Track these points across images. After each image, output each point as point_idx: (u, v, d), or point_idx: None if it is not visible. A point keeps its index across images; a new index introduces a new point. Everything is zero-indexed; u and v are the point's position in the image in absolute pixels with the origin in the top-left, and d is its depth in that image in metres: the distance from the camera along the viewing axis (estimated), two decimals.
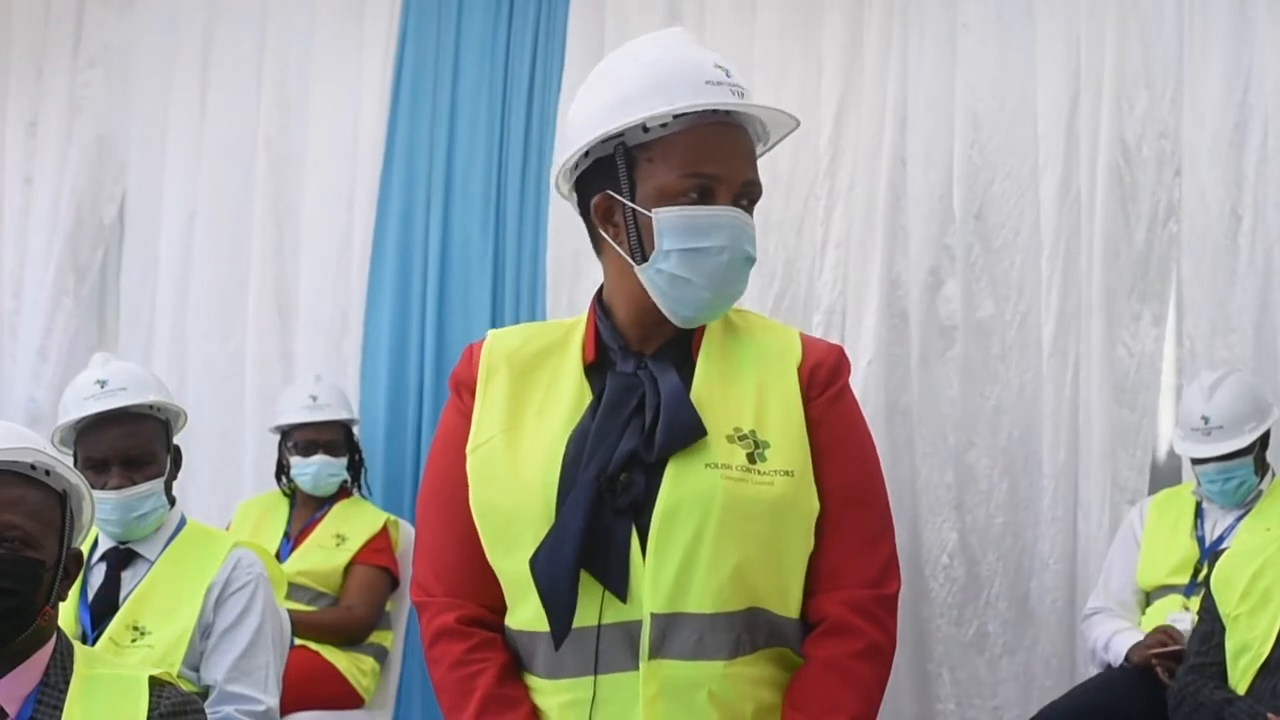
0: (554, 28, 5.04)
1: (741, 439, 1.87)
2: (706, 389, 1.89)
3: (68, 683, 2.15)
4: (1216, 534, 3.84)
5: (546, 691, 1.87)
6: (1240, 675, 3.04)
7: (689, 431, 1.85)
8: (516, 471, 1.87)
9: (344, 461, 4.56)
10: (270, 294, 5.29)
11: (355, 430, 4.70)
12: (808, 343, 1.97)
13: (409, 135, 5.17)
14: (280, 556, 4.31)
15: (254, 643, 2.89)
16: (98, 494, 2.87)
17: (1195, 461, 3.88)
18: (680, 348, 1.94)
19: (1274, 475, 3.93)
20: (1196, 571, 3.79)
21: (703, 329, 1.95)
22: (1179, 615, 3.72)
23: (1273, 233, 4.11)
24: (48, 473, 2.18)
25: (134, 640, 2.85)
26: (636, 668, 1.82)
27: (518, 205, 5.04)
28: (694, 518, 1.82)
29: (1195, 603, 3.45)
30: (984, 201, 4.41)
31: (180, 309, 5.39)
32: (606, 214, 1.90)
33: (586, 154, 1.91)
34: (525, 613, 1.87)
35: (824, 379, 1.94)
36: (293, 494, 4.57)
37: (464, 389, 1.96)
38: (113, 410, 2.95)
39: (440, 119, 5.15)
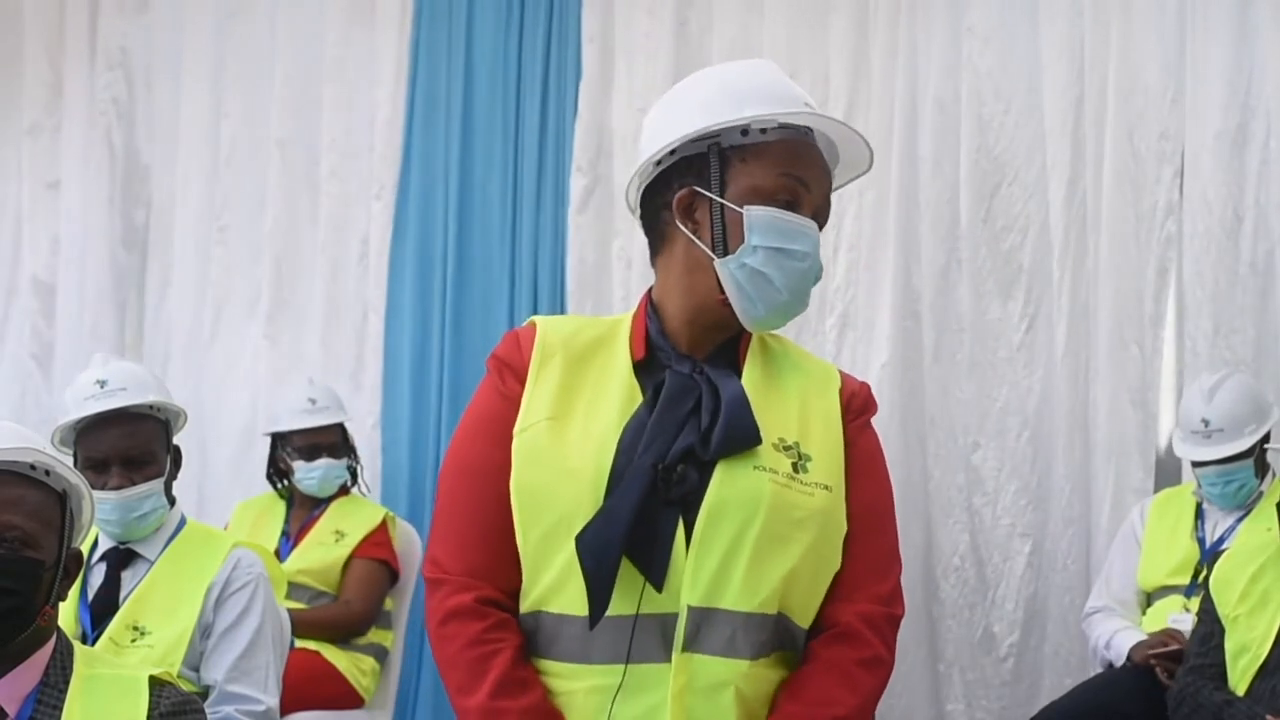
0: (566, 29, 5.04)
1: (786, 449, 1.91)
2: (754, 396, 1.93)
3: (67, 682, 2.15)
4: (1217, 535, 3.83)
5: (570, 676, 1.87)
6: (1239, 676, 3.04)
7: (748, 435, 1.88)
8: (565, 457, 1.88)
9: (345, 462, 4.57)
10: (288, 296, 5.31)
11: (349, 429, 4.69)
12: (843, 374, 2.05)
13: (425, 139, 5.17)
14: (280, 556, 4.32)
15: (254, 643, 2.89)
16: (97, 494, 2.88)
17: (1195, 464, 3.88)
18: (728, 356, 1.97)
19: (1274, 476, 3.92)
20: (1197, 572, 3.78)
21: (748, 340, 1.99)
22: (1179, 616, 3.72)
23: (1274, 234, 4.10)
24: (47, 472, 2.19)
25: (134, 640, 2.86)
26: (667, 659, 1.83)
27: (534, 208, 5.04)
28: (739, 517, 1.85)
29: (1195, 603, 3.45)
30: (993, 204, 4.42)
31: (199, 311, 5.41)
32: (688, 209, 1.93)
33: (673, 151, 1.94)
34: (555, 595, 1.87)
35: (859, 407, 2.01)
36: (290, 494, 4.58)
37: (508, 372, 1.96)
38: (112, 410, 2.96)
39: (454, 123, 5.15)
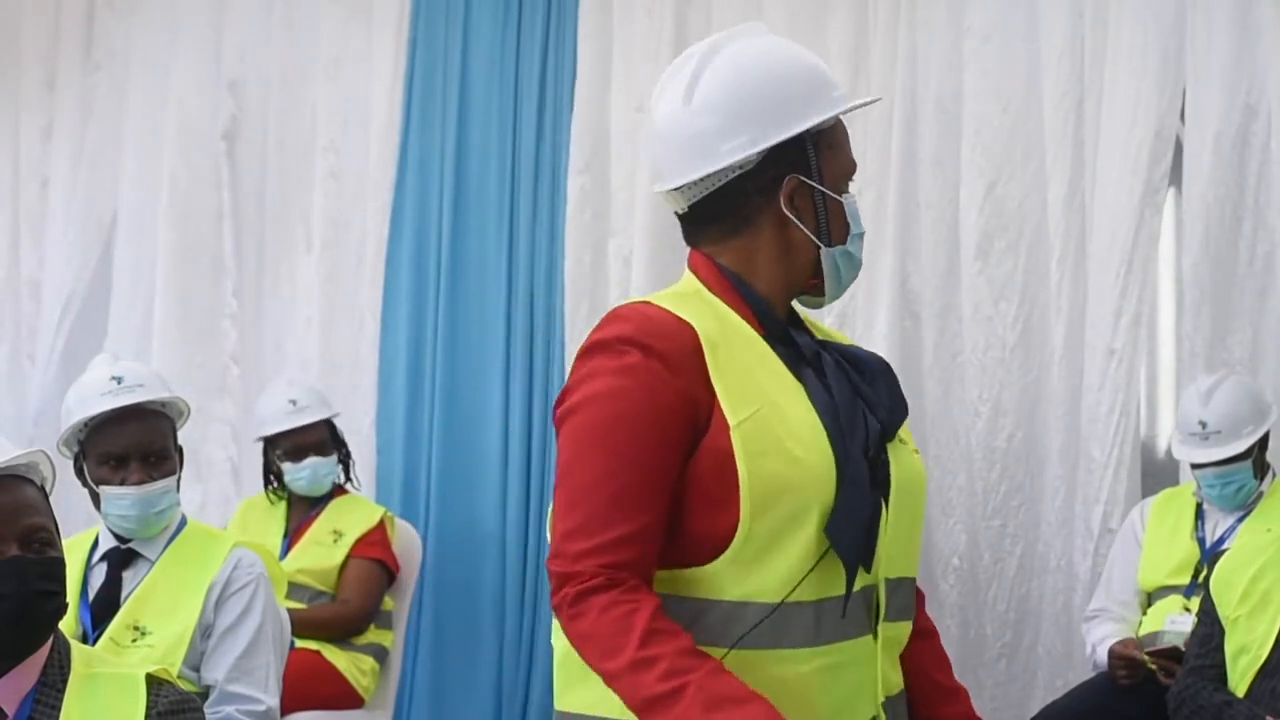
0: (564, 29, 5.04)
1: None
2: None
3: (65, 682, 2.13)
4: (1217, 535, 3.84)
5: (797, 660, 1.86)
6: (1239, 677, 3.04)
7: (905, 407, 2.00)
8: (789, 447, 1.86)
9: (334, 459, 4.55)
10: (283, 297, 5.30)
11: (337, 424, 4.66)
12: None
13: (421, 139, 5.18)
14: (281, 555, 4.31)
15: (254, 642, 2.89)
16: (117, 490, 2.90)
17: (1194, 466, 3.88)
18: (797, 325, 2.03)
19: (1274, 476, 3.93)
20: (1197, 573, 3.79)
21: (793, 313, 2.05)
22: (1179, 616, 3.73)
23: (1274, 234, 4.10)
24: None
25: (134, 640, 2.86)
26: (871, 630, 1.92)
27: (530, 208, 5.04)
28: (915, 493, 2.00)
29: (1195, 603, 3.45)
30: (992, 204, 4.41)
31: (186, 311, 5.40)
32: (790, 197, 1.96)
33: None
34: (786, 585, 1.85)
35: None
36: (288, 494, 4.57)
37: (669, 361, 1.87)
38: (136, 404, 2.96)
39: (450, 123, 5.15)
